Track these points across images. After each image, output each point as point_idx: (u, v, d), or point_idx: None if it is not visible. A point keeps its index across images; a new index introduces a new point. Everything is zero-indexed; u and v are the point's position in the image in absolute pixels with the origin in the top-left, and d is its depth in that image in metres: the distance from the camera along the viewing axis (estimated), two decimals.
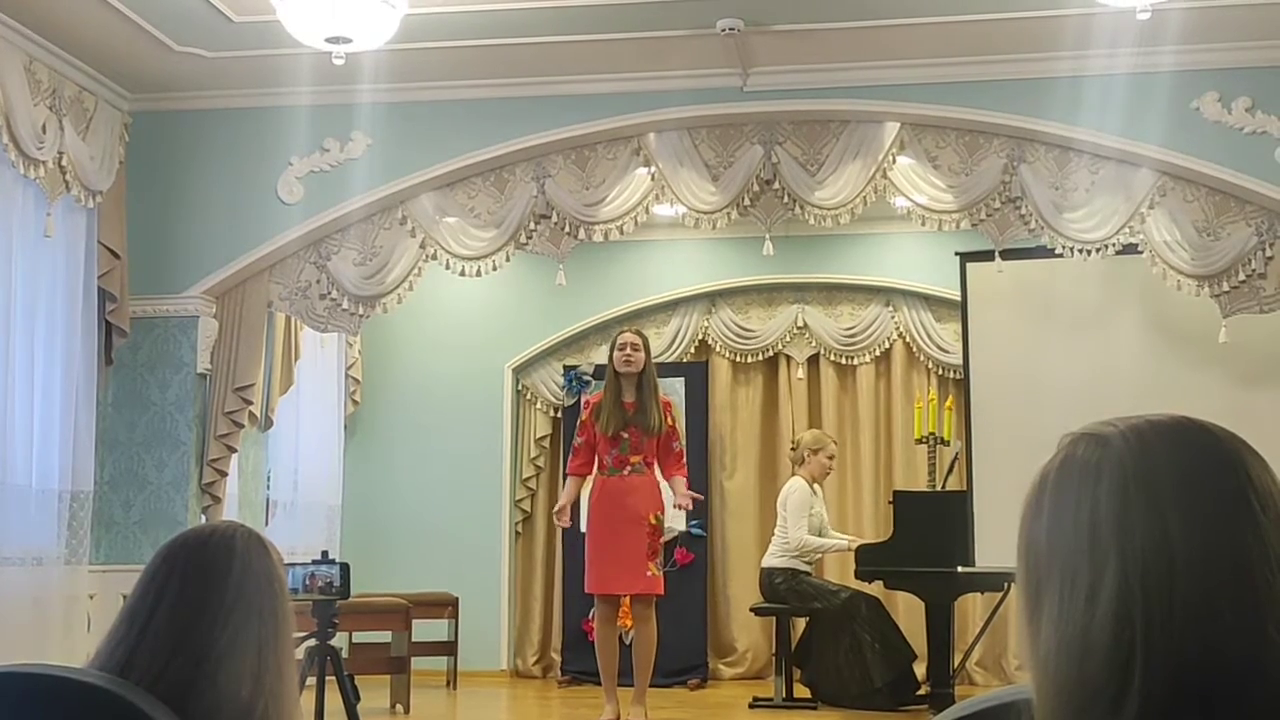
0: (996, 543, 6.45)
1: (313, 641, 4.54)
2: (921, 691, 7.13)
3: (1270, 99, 6.19)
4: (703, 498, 7.85)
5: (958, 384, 8.05)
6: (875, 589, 7.46)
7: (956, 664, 7.29)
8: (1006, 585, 6.84)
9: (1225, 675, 0.91)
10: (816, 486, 7.74)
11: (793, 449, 7.96)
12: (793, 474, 7.85)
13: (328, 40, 5.50)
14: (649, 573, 6.16)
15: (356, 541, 8.51)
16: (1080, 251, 6.38)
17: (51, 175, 6.05)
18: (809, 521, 7.52)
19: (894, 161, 6.53)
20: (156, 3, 5.81)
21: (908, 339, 8.84)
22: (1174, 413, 1.02)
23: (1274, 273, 6.24)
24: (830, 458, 7.78)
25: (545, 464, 9.09)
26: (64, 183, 6.15)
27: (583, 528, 6.45)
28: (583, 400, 7.20)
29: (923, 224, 6.71)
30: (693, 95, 6.56)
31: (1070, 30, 5.92)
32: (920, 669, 7.25)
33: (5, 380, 5.84)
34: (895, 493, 7.54)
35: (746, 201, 6.62)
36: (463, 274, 6.88)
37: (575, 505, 6.47)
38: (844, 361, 8.94)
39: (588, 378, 8.72)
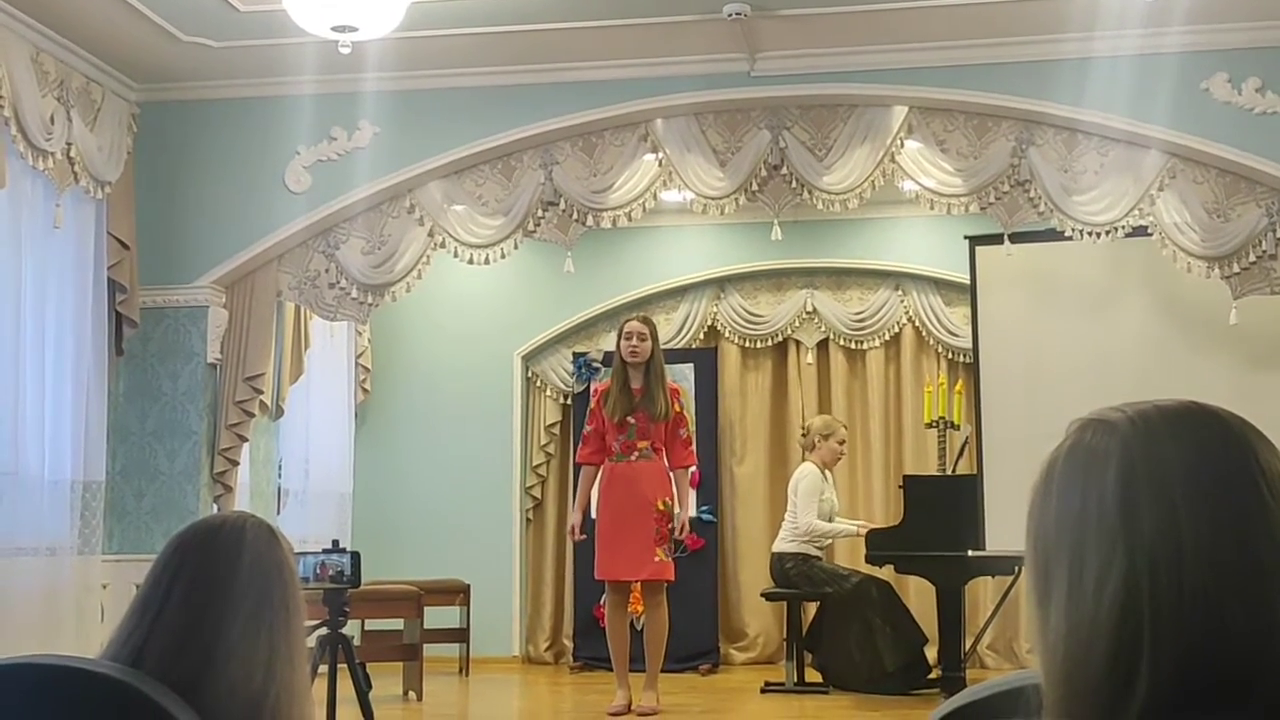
0: (1007, 526, 6.44)
1: (324, 630, 4.55)
2: (933, 675, 7.13)
3: None
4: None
5: (967, 368, 8.04)
6: (886, 573, 7.46)
7: (968, 648, 7.30)
8: (1017, 569, 6.84)
9: (1233, 660, 0.91)
10: (828, 472, 7.74)
11: (803, 435, 7.96)
12: (803, 459, 7.85)
13: (334, 29, 5.50)
14: (656, 558, 6.16)
15: (367, 530, 8.53)
16: (1089, 234, 6.36)
17: (60, 166, 6.06)
18: (819, 507, 7.52)
19: (902, 145, 6.51)
20: None
21: (917, 323, 8.83)
22: (1182, 398, 1.02)
23: None
24: (841, 443, 7.78)
25: (555, 451, 9.10)
26: (72, 174, 6.16)
27: (593, 514, 6.45)
28: (592, 387, 7.20)
29: (931, 208, 6.69)
30: (700, 81, 6.55)
31: (1078, 12, 5.90)
32: (931, 653, 7.26)
33: (16, 372, 5.86)
34: (905, 477, 7.53)
35: (754, 187, 6.61)
36: (471, 262, 6.88)
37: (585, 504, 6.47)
38: (853, 346, 8.93)
39: (597, 364, 8.72)
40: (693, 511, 8.27)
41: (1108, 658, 0.93)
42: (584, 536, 6.36)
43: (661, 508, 6.22)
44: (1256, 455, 0.97)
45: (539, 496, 9.10)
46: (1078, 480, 1.00)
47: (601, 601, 7.03)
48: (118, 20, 6.00)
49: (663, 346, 6.58)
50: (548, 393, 9.09)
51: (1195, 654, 0.91)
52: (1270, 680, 0.91)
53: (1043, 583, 1.00)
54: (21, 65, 5.79)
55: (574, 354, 8.98)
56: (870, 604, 7.27)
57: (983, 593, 8.15)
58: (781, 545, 7.58)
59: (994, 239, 6.75)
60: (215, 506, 6.65)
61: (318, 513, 8.21)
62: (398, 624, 7.17)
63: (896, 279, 8.86)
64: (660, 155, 6.65)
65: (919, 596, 7.76)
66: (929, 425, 7.82)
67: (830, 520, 7.59)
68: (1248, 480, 0.96)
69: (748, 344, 9.04)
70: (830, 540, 7.75)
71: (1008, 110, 6.39)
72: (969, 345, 7.48)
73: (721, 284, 9.05)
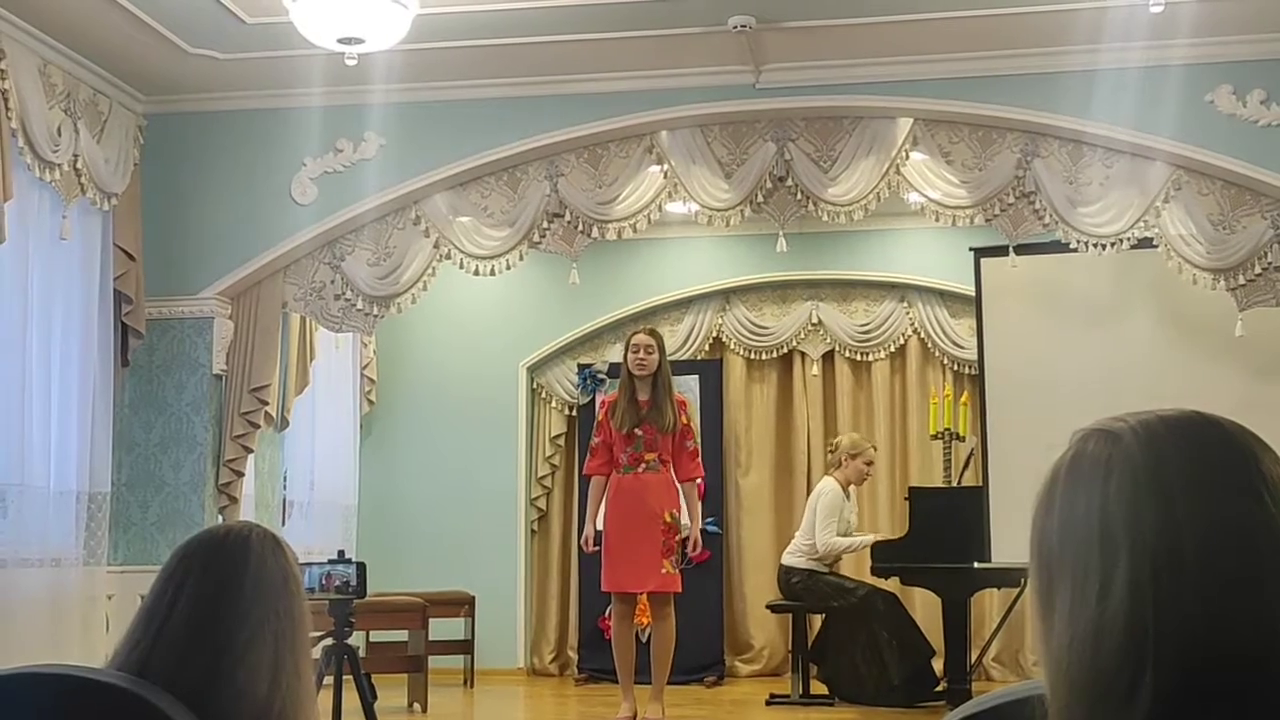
0: (1013, 538, 6.43)
1: (330, 641, 4.56)
2: (939, 688, 7.12)
3: None
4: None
5: (973, 379, 8.04)
6: (892, 585, 7.45)
7: (974, 660, 7.28)
8: (1023, 581, 6.82)
9: (1238, 668, 0.91)
10: (851, 489, 7.70)
11: (830, 451, 7.93)
12: (826, 474, 7.80)
13: (340, 41, 5.52)
14: (664, 570, 6.16)
15: (372, 541, 8.54)
16: (1095, 246, 6.36)
17: (67, 178, 6.07)
18: (837, 526, 7.48)
19: (907, 157, 6.51)
20: (169, 5, 5.83)
21: (922, 335, 8.83)
22: (1185, 407, 1.02)
23: None
24: (869, 463, 7.71)
25: (560, 462, 9.10)
26: (79, 185, 6.18)
27: (599, 525, 6.45)
28: (598, 399, 7.20)
29: (936, 219, 6.69)
30: (705, 93, 6.56)
31: (1083, 24, 5.90)
32: (937, 665, 7.24)
33: (23, 383, 5.86)
34: (911, 489, 7.53)
35: (759, 198, 6.62)
36: (476, 273, 6.89)
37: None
38: (859, 358, 8.93)
39: (602, 376, 8.72)
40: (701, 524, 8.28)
41: (1112, 666, 0.93)
42: (597, 548, 6.35)
43: (669, 519, 6.22)
44: (1259, 463, 0.98)
45: (544, 508, 9.10)
46: (1081, 489, 1.00)
47: (607, 613, 7.03)
48: (125, 32, 6.02)
49: (668, 358, 6.57)
50: (553, 404, 9.10)
51: (1199, 661, 0.92)
52: (1276, 686, 0.91)
53: (1046, 592, 1.00)
54: (29, 77, 5.81)
55: (579, 366, 8.98)
56: (876, 616, 7.26)
57: (989, 605, 8.13)
58: (791, 559, 7.56)
59: (999, 250, 6.76)
60: (220, 517, 6.65)
61: (322, 524, 8.21)
62: (402, 635, 7.16)
63: (902, 290, 8.86)
64: (665, 167, 6.66)
65: (925, 608, 7.75)
66: (934, 437, 7.81)
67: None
68: (1250, 488, 0.96)
69: (753, 356, 9.04)
70: (844, 555, 7.72)
71: (1013, 122, 6.40)
72: (974, 357, 7.48)
73: (727, 296, 9.05)
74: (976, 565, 6.69)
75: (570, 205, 6.70)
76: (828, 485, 7.60)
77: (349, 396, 8.67)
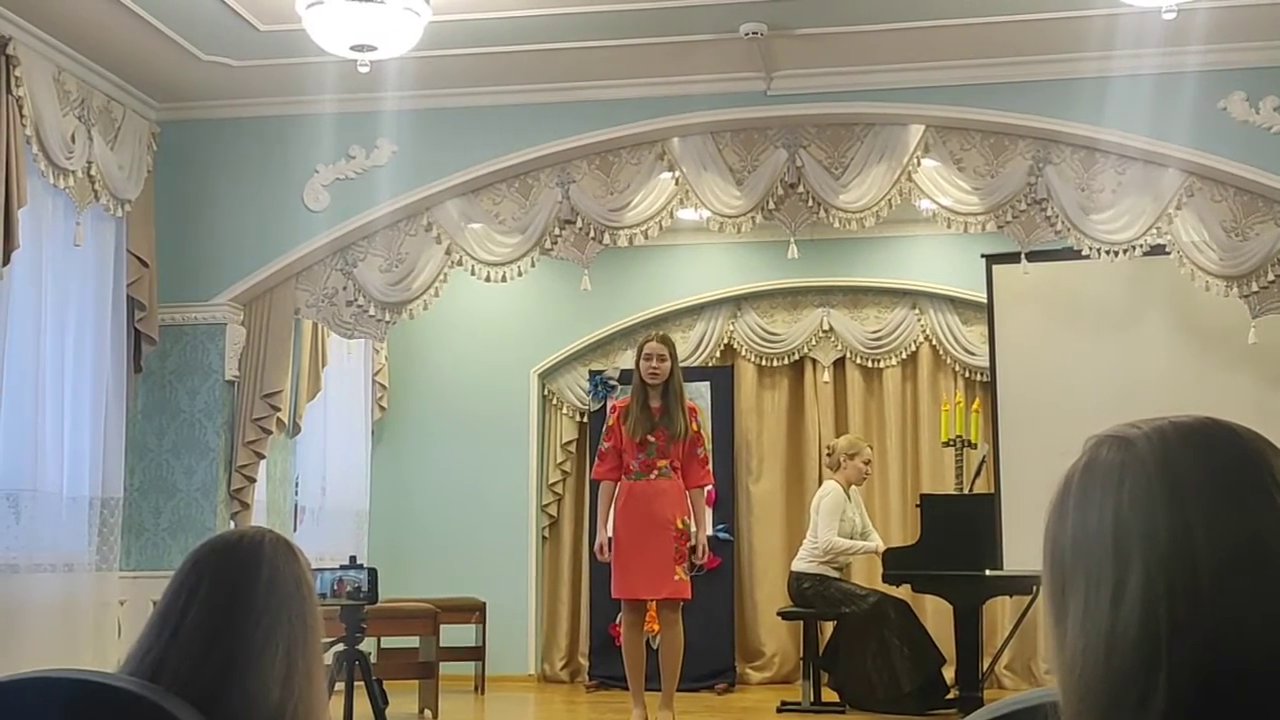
0: (1025, 545, 6.42)
1: (341, 647, 4.56)
2: (950, 696, 7.10)
3: None
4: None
5: (984, 386, 8.02)
6: (903, 592, 7.44)
7: (985, 668, 7.26)
8: (1035, 588, 6.81)
9: (1251, 674, 0.91)
10: (853, 490, 7.71)
11: (828, 454, 7.94)
12: (823, 479, 7.81)
13: (353, 48, 5.53)
14: (675, 577, 6.15)
15: (384, 547, 8.54)
16: (1107, 253, 6.34)
17: (80, 184, 6.10)
18: (841, 526, 7.49)
19: (919, 164, 6.51)
20: (183, 12, 5.85)
21: (934, 342, 8.82)
22: (1198, 414, 1.02)
23: None
24: (867, 462, 7.75)
25: (572, 469, 9.10)
26: (93, 192, 6.20)
27: (609, 532, 6.45)
28: (609, 405, 7.20)
29: (948, 226, 6.68)
30: (716, 99, 6.57)
31: (1095, 31, 5.90)
32: (949, 673, 7.23)
33: (36, 388, 5.88)
34: (923, 496, 7.52)
35: (771, 205, 6.62)
36: (488, 280, 6.90)
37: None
38: (870, 365, 8.92)
39: (613, 382, 8.72)
40: (710, 530, 8.28)
41: (1125, 672, 0.93)
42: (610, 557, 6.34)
43: (680, 526, 6.21)
44: (1272, 470, 0.98)
45: (555, 515, 9.10)
46: (1094, 496, 1.00)
47: (617, 620, 7.02)
48: (139, 40, 6.04)
49: (680, 364, 6.57)
50: (564, 411, 9.10)
51: (1213, 667, 0.91)
52: None
53: (1059, 599, 1.00)
54: (43, 84, 5.84)
55: (590, 372, 8.99)
56: (887, 623, 7.25)
57: (1000, 612, 8.12)
58: (800, 565, 7.56)
59: (1011, 257, 6.75)
60: (232, 523, 6.66)
61: (334, 530, 8.22)
62: (413, 641, 7.17)
63: (913, 297, 8.85)
64: (677, 174, 6.67)
65: (936, 616, 7.73)
66: (946, 444, 7.80)
67: (852, 539, 7.56)
68: (1263, 494, 0.96)
69: (764, 362, 9.04)
70: (849, 557, 7.72)
71: (1025, 129, 6.39)
72: (986, 364, 7.47)
73: (738, 302, 9.05)
74: (988, 572, 6.68)
75: (582, 212, 6.71)
76: (828, 488, 7.63)
77: (361, 402, 8.68)
